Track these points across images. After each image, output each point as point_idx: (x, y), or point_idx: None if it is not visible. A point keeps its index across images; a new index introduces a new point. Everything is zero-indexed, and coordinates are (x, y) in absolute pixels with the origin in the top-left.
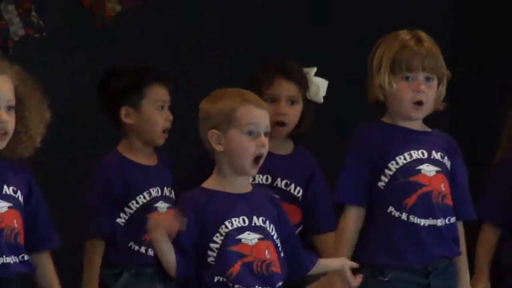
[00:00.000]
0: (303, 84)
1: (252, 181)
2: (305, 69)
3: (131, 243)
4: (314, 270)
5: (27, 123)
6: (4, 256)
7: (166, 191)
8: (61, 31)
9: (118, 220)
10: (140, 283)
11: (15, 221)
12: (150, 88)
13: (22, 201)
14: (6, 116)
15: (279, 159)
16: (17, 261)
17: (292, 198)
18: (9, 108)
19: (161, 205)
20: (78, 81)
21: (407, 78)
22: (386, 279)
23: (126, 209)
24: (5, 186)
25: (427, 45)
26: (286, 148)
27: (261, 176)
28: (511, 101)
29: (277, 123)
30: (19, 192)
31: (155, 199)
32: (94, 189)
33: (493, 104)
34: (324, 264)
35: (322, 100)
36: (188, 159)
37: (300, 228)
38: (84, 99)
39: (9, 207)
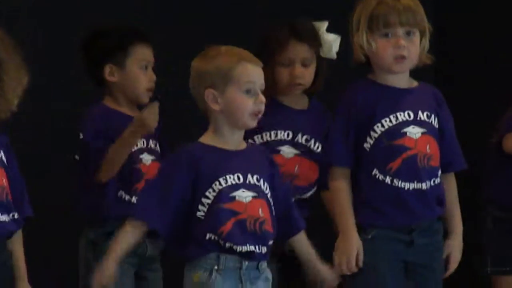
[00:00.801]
0: (316, 43)
1: (275, 136)
2: (317, 24)
3: (121, 193)
4: (306, 264)
5: (4, 86)
6: (7, 213)
7: (151, 143)
8: None
9: None
10: None
11: (3, 180)
12: (135, 47)
13: (5, 161)
14: None
15: (299, 115)
16: (10, 219)
17: (312, 154)
18: None
19: (146, 157)
20: (58, 45)
21: (386, 35)
22: (369, 236)
23: None
24: None
25: (404, 0)
26: (303, 103)
27: (282, 132)
28: (498, 55)
29: (292, 85)
30: (2, 152)
31: (140, 150)
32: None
33: (480, 57)
34: (315, 267)
35: (335, 56)
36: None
37: (314, 190)
38: (64, 60)
39: None
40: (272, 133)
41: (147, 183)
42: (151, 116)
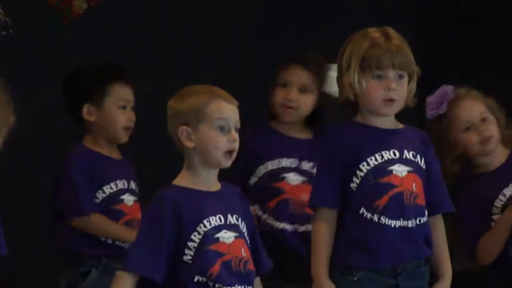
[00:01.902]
0: (319, 74)
1: (279, 164)
2: (329, 63)
3: None
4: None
5: None
6: None
7: (132, 184)
8: (27, 28)
9: None
10: (108, 280)
11: None
12: (113, 87)
13: None
14: None
15: (304, 143)
16: None
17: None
18: None
19: (128, 198)
20: (47, 78)
21: (377, 77)
22: (355, 278)
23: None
24: None
25: (396, 42)
26: (307, 133)
27: (286, 159)
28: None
29: (285, 106)
30: None
31: (121, 191)
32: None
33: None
34: None
35: (337, 94)
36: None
37: None
38: (51, 96)
39: None
40: (277, 161)
41: (137, 237)
42: None
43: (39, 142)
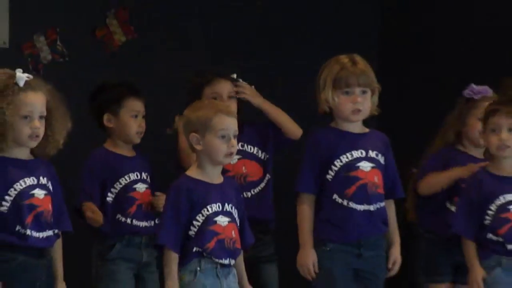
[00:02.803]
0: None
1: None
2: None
3: (118, 215)
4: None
5: (53, 129)
6: (47, 230)
7: (144, 175)
8: (79, 56)
9: (107, 198)
10: (129, 251)
11: (49, 206)
12: (127, 100)
13: (51, 188)
14: (38, 123)
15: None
16: (52, 234)
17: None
18: (41, 117)
19: (140, 186)
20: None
21: (346, 93)
22: (328, 249)
23: (112, 189)
24: (41, 178)
25: (360, 66)
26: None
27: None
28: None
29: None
30: (49, 182)
31: (134, 181)
32: (87, 173)
33: (410, 109)
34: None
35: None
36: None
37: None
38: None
39: (45, 194)
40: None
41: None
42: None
43: (79, 140)
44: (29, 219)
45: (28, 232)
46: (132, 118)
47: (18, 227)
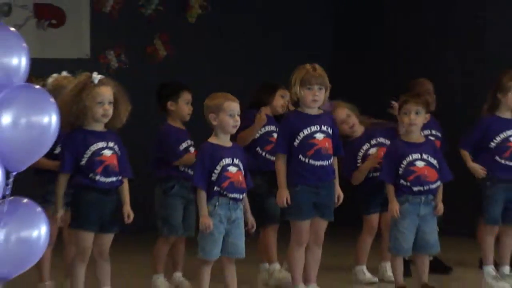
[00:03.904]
0: None
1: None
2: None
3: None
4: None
5: (119, 111)
6: (111, 177)
7: (110, 144)
8: (136, 65)
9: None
10: (183, 192)
11: (115, 161)
12: (182, 93)
13: (117, 150)
14: (108, 107)
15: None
16: (118, 179)
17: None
18: (109, 103)
19: (106, 152)
20: (145, 92)
21: (309, 89)
22: (297, 189)
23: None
24: (109, 142)
25: (319, 71)
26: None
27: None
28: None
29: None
30: (116, 146)
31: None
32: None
33: (355, 95)
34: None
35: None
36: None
37: None
38: (148, 100)
39: (112, 153)
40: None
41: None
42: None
43: (137, 119)
44: (99, 169)
45: (97, 177)
46: (185, 105)
47: (91, 174)
